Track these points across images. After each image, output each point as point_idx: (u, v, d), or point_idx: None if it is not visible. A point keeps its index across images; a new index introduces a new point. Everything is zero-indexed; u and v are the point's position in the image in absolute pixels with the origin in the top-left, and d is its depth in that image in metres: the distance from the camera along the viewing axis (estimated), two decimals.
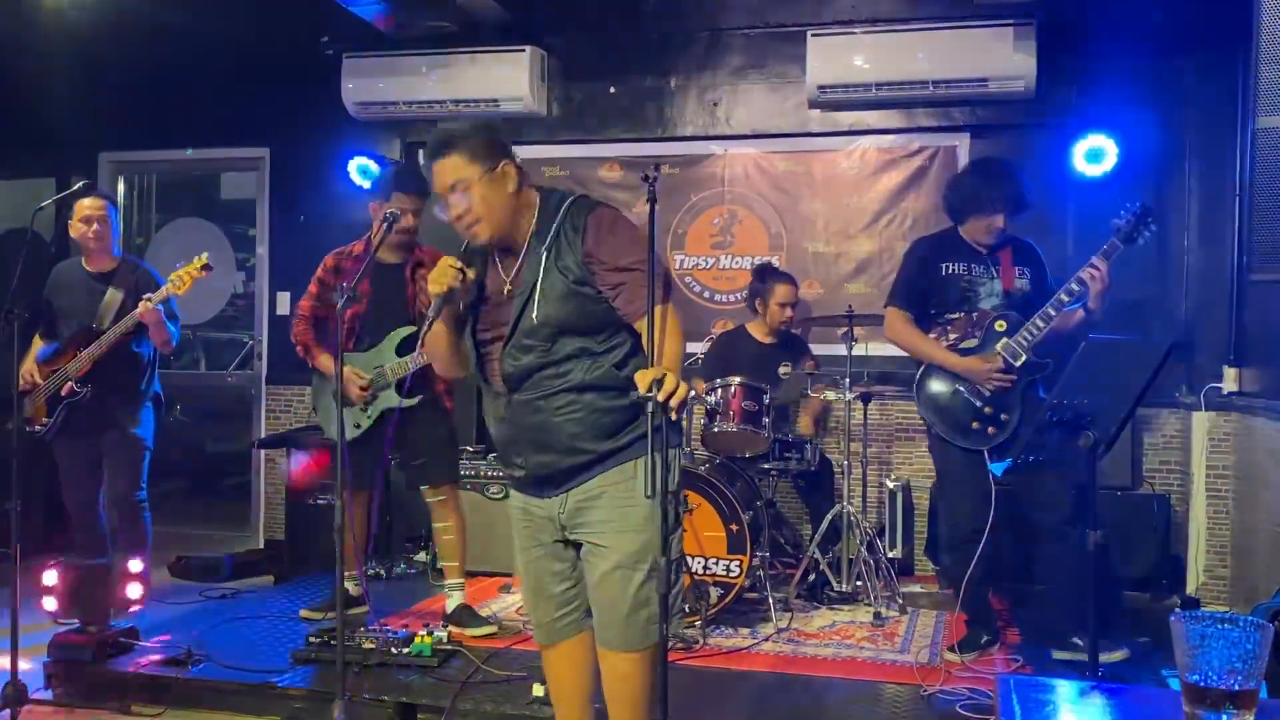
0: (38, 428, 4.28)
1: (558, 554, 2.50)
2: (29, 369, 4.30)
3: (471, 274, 2.40)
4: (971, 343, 3.78)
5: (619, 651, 2.42)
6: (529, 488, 2.49)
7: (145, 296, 4.13)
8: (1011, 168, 3.84)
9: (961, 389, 3.77)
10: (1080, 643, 3.63)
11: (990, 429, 3.70)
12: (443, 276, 2.33)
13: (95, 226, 4.31)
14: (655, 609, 2.30)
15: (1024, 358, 3.64)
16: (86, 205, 4.32)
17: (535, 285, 2.33)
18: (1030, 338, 3.64)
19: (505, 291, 2.41)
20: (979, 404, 3.74)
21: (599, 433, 2.35)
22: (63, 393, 4.23)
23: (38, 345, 4.39)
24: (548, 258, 2.34)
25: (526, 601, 2.63)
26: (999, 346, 3.70)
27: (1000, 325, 3.73)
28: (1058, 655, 3.76)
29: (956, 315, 3.83)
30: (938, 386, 3.82)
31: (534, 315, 2.33)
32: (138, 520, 4.42)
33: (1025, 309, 3.73)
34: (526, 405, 2.37)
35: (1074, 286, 3.59)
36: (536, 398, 2.36)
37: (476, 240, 2.39)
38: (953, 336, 3.82)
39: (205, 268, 4.15)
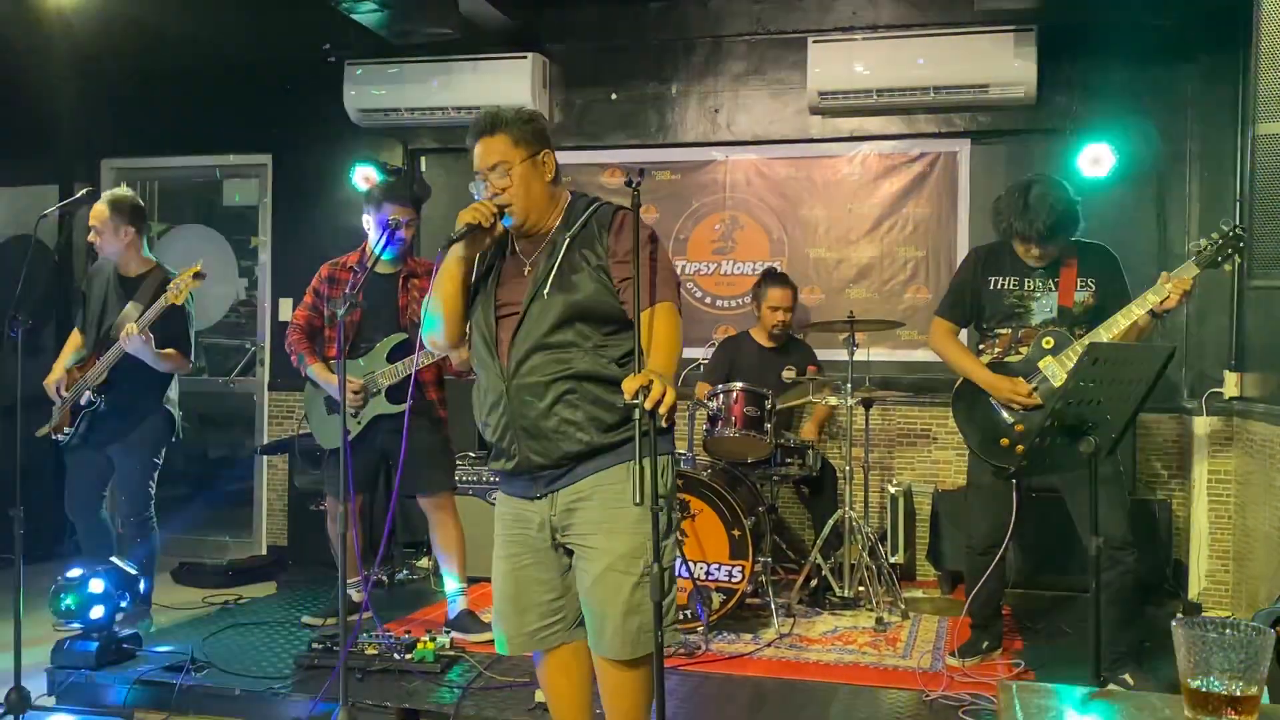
0: (60, 436, 4.33)
1: (547, 562, 2.46)
2: (57, 378, 4.33)
3: (499, 232, 2.42)
4: (1015, 358, 3.64)
5: (612, 659, 2.39)
6: (518, 485, 2.45)
7: (126, 330, 4.10)
8: (1050, 193, 3.52)
9: (994, 405, 3.66)
10: (1131, 680, 3.48)
11: (1019, 448, 3.54)
12: (478, 211, 2.36)
13: (91, 237, 4.35)
14: (649, 617, 2.27)
15: (1062, 379, 3.44)
16: (90, 217, 4.35)
17: (554, 266, 2.39)
18: (1073, 359, 3.44)
19: (525, 272, 2.44)
20: (1010, 422, 3.62)
21: (594, 424, 2.34)
22: (81, 401, 4.27)
23: (75, 339, 4.43)
24: (570, 243, 2.41)
25: (500, 611, 2.52)
26: (1041, 364, 3.57)
27: (1047, 342, 3.58)
28: None
29: (1004, 330, 3.70)
30: (971, 400, 3.72)
31: (545, 292, 2.36)
32: (146, 536, 4.42)
33: (1089, 323, 3.56)
34: (525, 389, 2.35)
35: (1136, 310, 3.40)
36: (536, 382, 2.34)
37: (509, 218, 2.42)
38: (996, 350, 3.70)
39: (198, 275, 4.14)
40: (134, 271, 4.39)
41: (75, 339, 4.45)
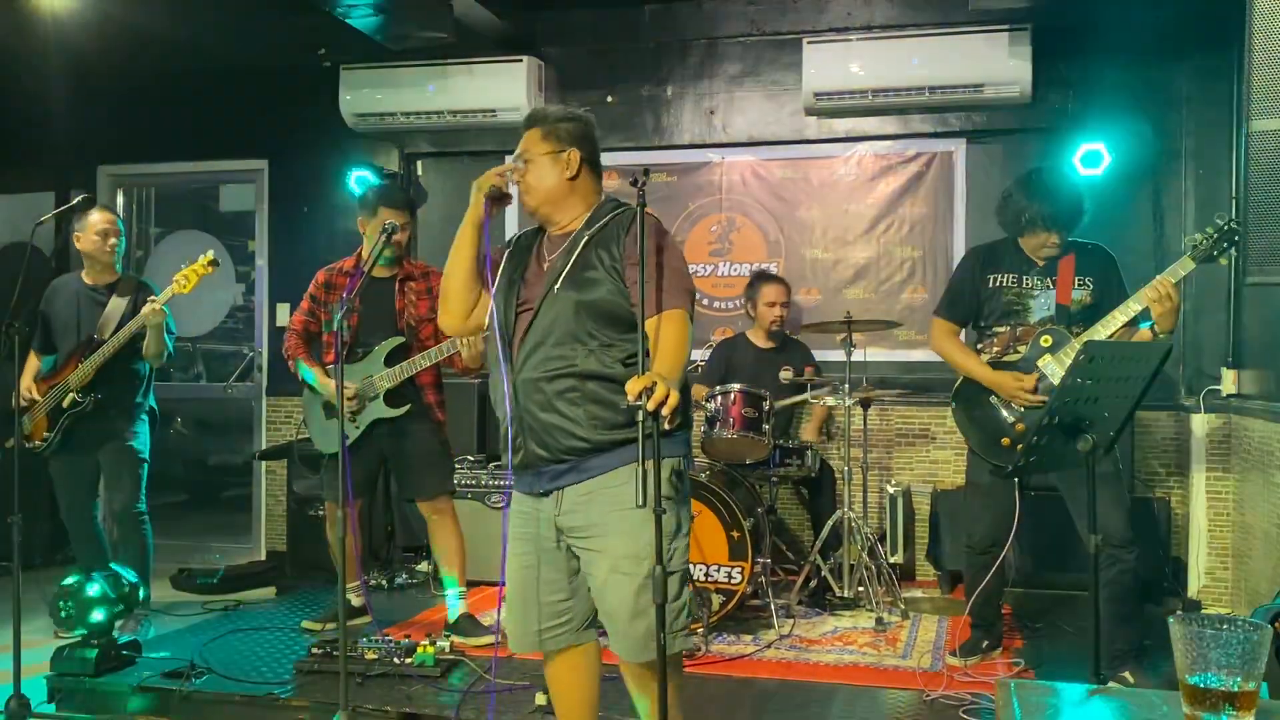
0: (38, 443, 4.29)
1: (555, 562, 2.48)
2: (28, 386, 4.29)
3: (514, 190, 2.55)
4: (1014, 356, 3.64)
5: (628, 661, 2.43)
6: (525, 480, 2.48)
7: (150, 298, 4.16)
8: (1064, 180, 3.61)
9: (995, 404, 3.66)
10: (1131, 678, 3.48)
11: (1020, 447, 3.48)
12: (488, 179, 2.50)
13: (112, 240, 4.37)
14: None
15: (1061, 377, 3.38)
16: (104, 220, 4.37)
17: (569, 264, 2.44)
18: (1072, 356, 3.39)
19: (544, 267, 2.49)
20: (1012, 421, 3.62)
21: (595, 423, 2.35)
22: (64, 404, 4.24)
23: (33, 361, 4.39)
24: (588, 242, 2.46)
25: (510, 609, 2.56)
26: (1040, 363, 3.56)
27: (1046, 340, 3.58)
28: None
29: (1002, 328, 3.69)
30: (971, 399, 3.72)
31: (557, 289, 2.41)
32: (139, 533, 4.42)
33: (1086, 321, 3.55)
34: (530, 383, 2.39)
35: (1133, 305, 3.39)
36: (539, 377, 2.37)
37: (525, 204, 2.56)
38: (995, 349, 3.70)
39: (212, 264, 4.16)
40: (106, 280, 4.41)
41: (33, 362, 4.38)
